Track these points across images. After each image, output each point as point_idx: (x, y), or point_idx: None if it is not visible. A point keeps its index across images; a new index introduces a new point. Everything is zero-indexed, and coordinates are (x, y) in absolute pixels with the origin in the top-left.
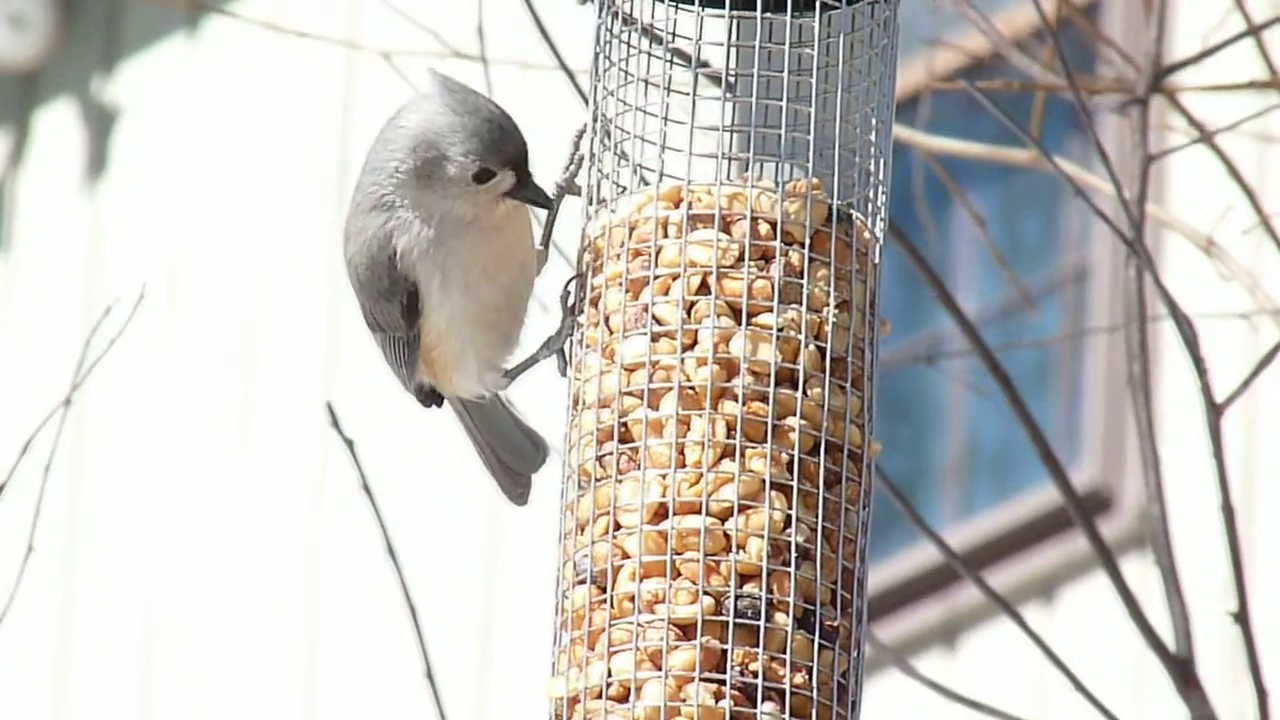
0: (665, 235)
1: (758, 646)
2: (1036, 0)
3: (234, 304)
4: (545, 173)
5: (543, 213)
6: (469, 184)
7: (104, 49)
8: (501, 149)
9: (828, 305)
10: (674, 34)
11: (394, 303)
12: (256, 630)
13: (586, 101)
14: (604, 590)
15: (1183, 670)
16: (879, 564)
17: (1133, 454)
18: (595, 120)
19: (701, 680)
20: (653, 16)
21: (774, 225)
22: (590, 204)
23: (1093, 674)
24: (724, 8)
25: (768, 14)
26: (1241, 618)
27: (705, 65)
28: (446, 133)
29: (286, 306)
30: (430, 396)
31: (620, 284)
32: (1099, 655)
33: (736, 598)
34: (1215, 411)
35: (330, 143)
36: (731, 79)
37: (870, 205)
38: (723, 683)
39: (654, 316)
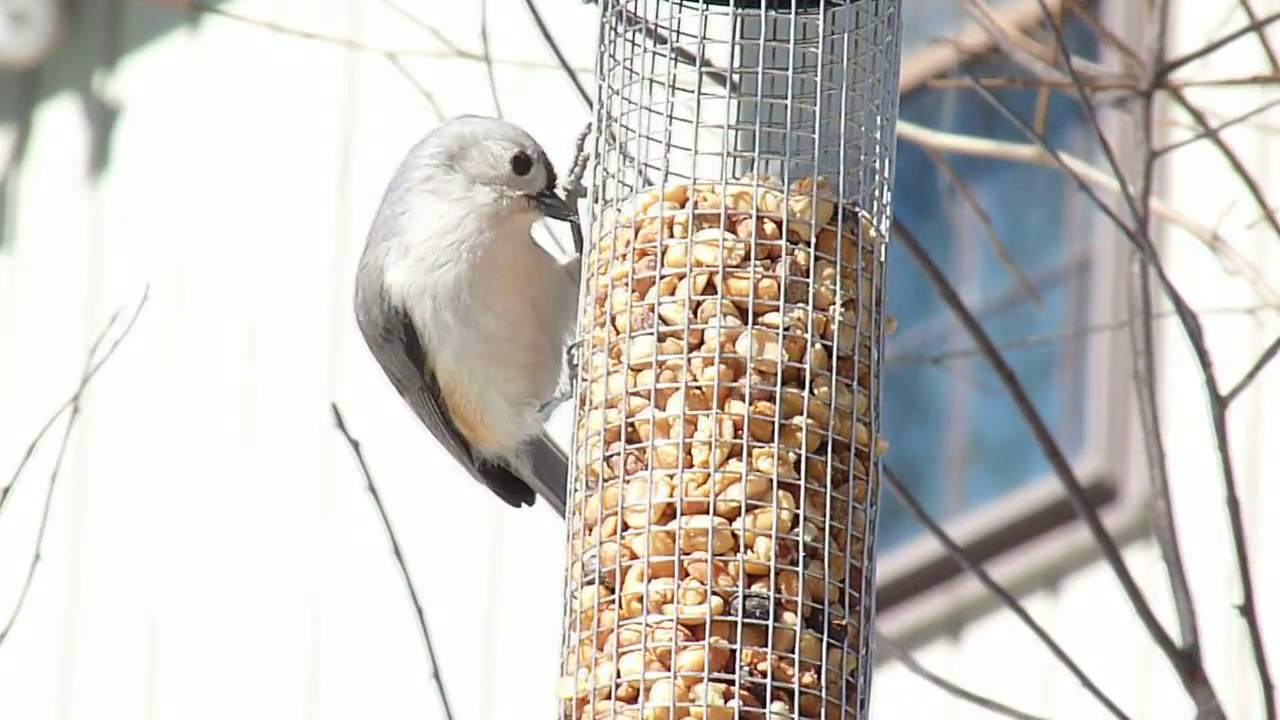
0: (671, 235)
1: (766, 646)
2: None
3: (237, 303)
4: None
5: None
6: (506, 173)
7: (106, 46)
8: (538, 149)
9: (834, 304)
10: (678, 32)
11: (395, 343)
12: (262, 631)
13: (589, 101)
14: (612, 591)
15: (1188, 663)
16: (882, 557)
17: (1136, 445)
18: (600, 119)
19: (710, 680)
20: (657, 15)
21: (780, 224)
22: (595, 203)
23: (1097, 667)
24: (728, 5)
25: (772, 10)
26: (1247, 610)
27: (709, 64)
28: (485, 130)
29: (290, 306)
30: (511, 490)
31: (626, 284)
32: (1104, 648)
33: (745, 597)
34: (1220, 405)
35: (333, 142)
36: (736, 77)
37: (875, 203)
38: (731, 683)
39: (660, 316)
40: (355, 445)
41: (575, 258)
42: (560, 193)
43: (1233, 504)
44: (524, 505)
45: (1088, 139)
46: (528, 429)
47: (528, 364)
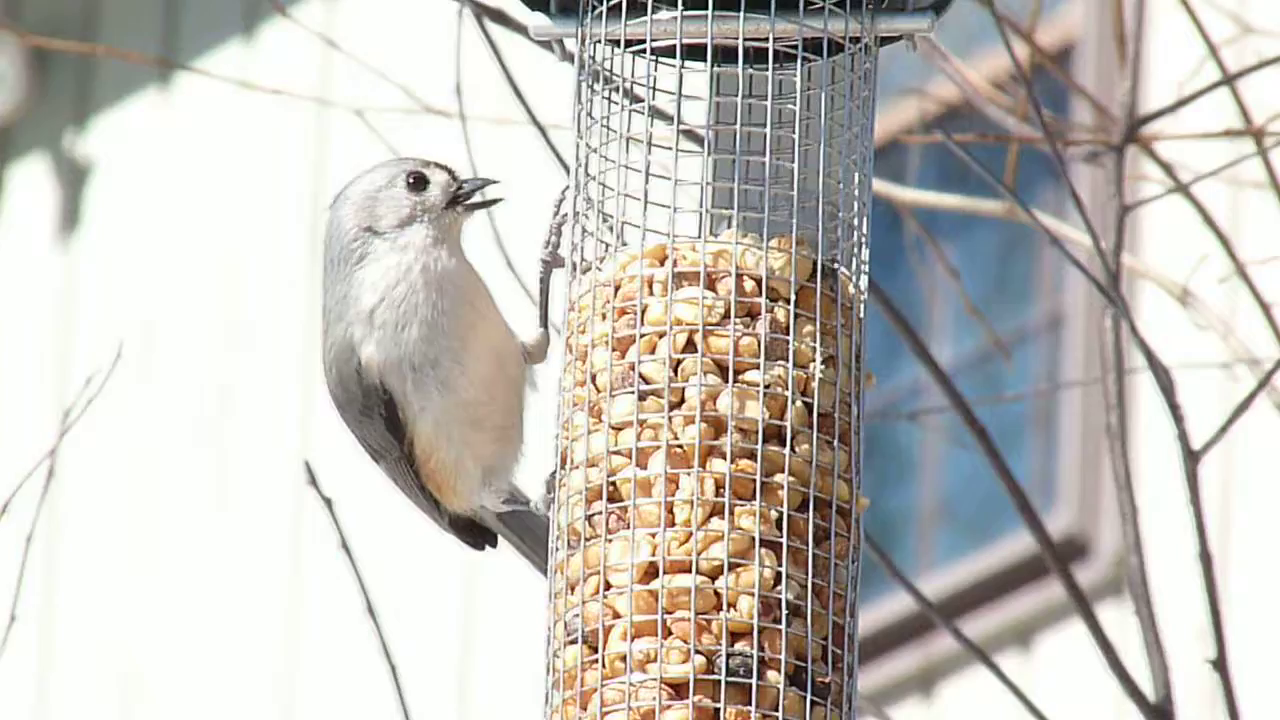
0: (650, 293)
1: (750, 705)
2: (1010, 49)
3: (208, 361)
4: (528, 234)
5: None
6: (408, 199)
7: (76, 104)
8: (422, 160)
9: (814, 361)
10: (654, 89)
11: (374, 418)
12: (235, 690)
13: (561, 158)
14: (595, 650)
15: (1161, 718)
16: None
17: (1108, 500)
18: (577, 177)
19: None
20: (633, 71)
21: (759, 281)
22: (574, 264)
23: None
24: (704, 61)
25: (748, 66)
26: (1220, 665)
27: (685, 121)
28: (371, 180)
29: (261, 364)
30: (477, 535)
31: (606, 343)
32: (1077, 703)
33: (728, 656)
34: (1192, 459)
35: (303, 199)
36: (712, 134)
37: (854, 259)
38: None
39: (641, 375)
40: (328, 503)
41: (540, 334)
42: (469, 186)
43: (1205, 559)
44: (487, 548)
45: (1058, 194)
46: (488, 501)
47: (501, 426)
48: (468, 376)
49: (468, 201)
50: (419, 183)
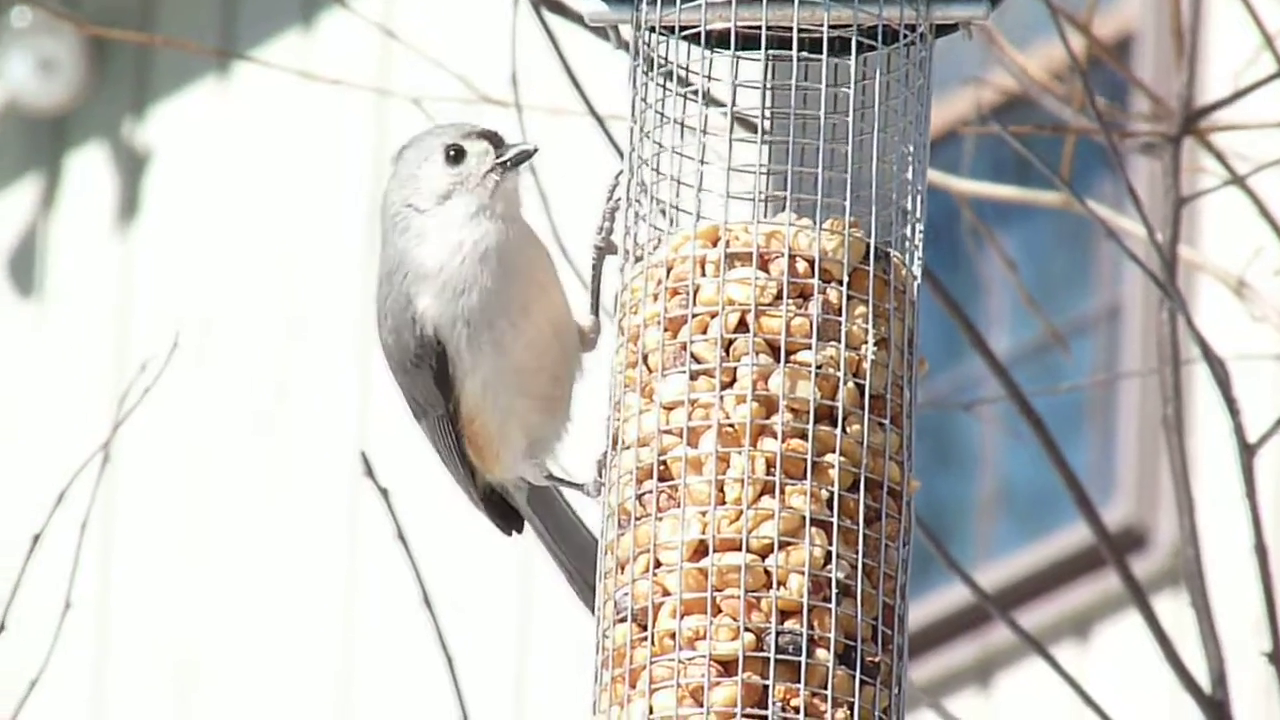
0: (703, 274)
1: (799, 682)
2: (1066, 41)
3: (266, 349)
4: (583, 223)
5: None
6: (446, 173)
7: (135, 93)
8: (458, 127)
9: (866, 342)
10: (709, 76)
11: (424, 370)
12: (292, 681)
13: (617, 147)
14: (645, 628)
15: (1217, 710)
16: (912, 604)
17: (1165, 491)
18: (631, 163)
19: (743, 716)
20: (688, 59)
21: (812, 263)
22: (627, 250)
23: (1127, 714)
24: (760, 50)
25: (803, 55)
26: (1276, 657)
27: (739, 109)
28: (412, 151)
29: (319, 352)
30: (507, 518)
31: (658, 323)
32: (1133, 695)
33: (777, 634)
34: (1248, 452)
35: (362, 188)
36: (767, 121)
37: (908, 243)
38: (765, 718)
39: (692, 355)
40: (384, 493)
41: (592, 321)
42: (507, 153)
43: (1260, 551)
44: (514, 534)
45: (1115, 185)
46: (528, 472)
47: (548, 396)
48: (523, 340)
49: (504, 162)
50: (457, 155)
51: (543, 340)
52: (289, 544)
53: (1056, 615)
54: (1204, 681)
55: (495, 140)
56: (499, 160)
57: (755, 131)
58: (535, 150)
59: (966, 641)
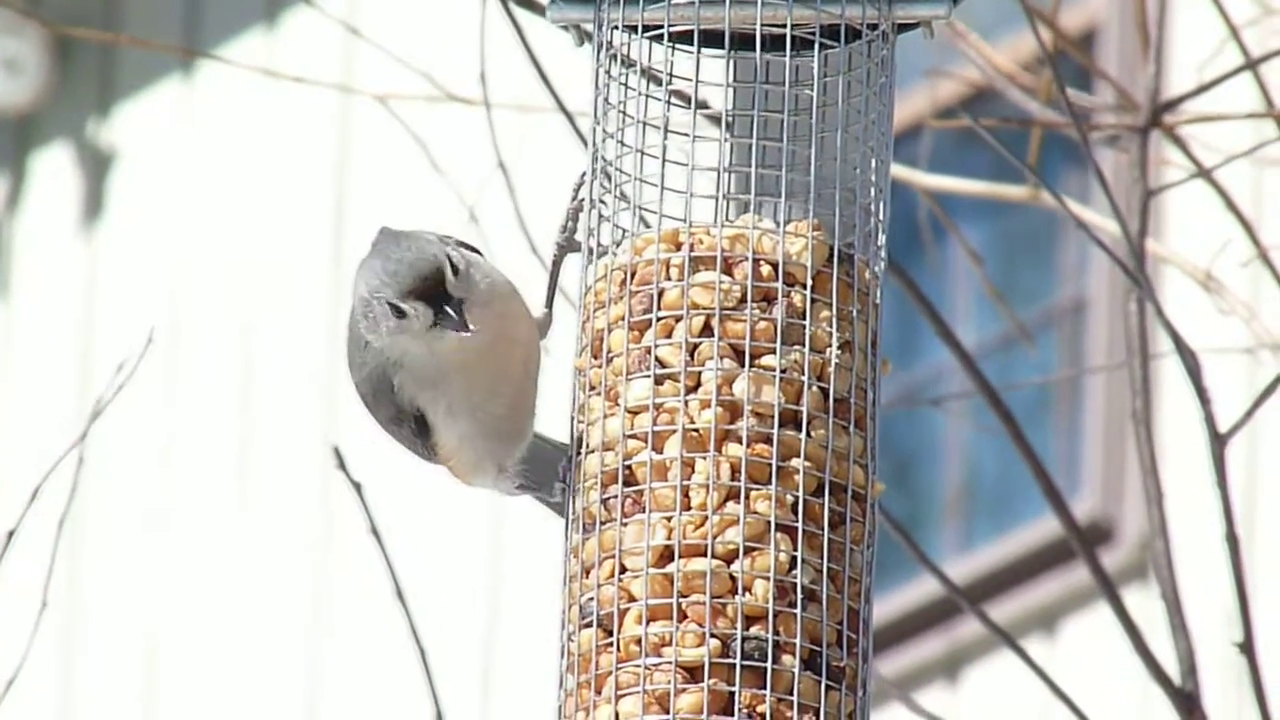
0: (667, 277)
1: (765, 688)
2: (1037, 33)
3: (233, 346)
4: (548, 219)
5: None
6: (395, 324)
7: (99, 92)
8: (398, 282)
9: (830, 346)
10: (672, 75)
11: (404, 427)
12: (263, 675)
13: (586, 144)
14: (610, 633)
15: (1188, 702)
16: (880, 597)
17: (1133, 483)
18: (594, 163)
19: None
20: (650, 58)
21: (776, 266)
22: (591, 248)
23: (1096, 706)
24: (723, 48)
25: (765, 53)
26: (1247, 648)
27: (704, 106)
28: (364, 282)
29: (286, 349)
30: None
31: (622, 326)
32: (1102, 688)
33: (743, 640)
34: (1219, 442)
35: (326, 186)
36: (730, 119)
37: (871, 244)
38: None
39: (657, 359)
40: (357, 487)
41: (544, 314)
42: (455, 309)
43: (1232, 541)
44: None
45: (1080, 179)
46: (499, 487)
47: (520, 431)
48: (503, 405)
49: (442, 324)
50: (398, 313)
51: (519, 392)
52: (261, 539)
53: (1025, 608)
54: (1175, 674)
55: (434, 298)
56: (437, 323)
57: (719, 126)
58: (470, 329)
59: (935, 635)
